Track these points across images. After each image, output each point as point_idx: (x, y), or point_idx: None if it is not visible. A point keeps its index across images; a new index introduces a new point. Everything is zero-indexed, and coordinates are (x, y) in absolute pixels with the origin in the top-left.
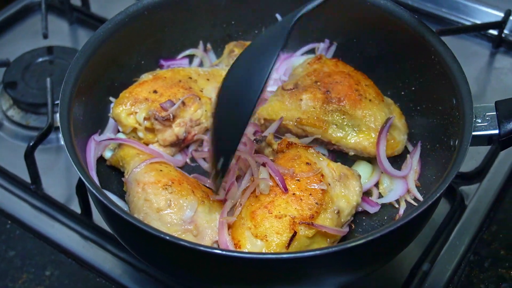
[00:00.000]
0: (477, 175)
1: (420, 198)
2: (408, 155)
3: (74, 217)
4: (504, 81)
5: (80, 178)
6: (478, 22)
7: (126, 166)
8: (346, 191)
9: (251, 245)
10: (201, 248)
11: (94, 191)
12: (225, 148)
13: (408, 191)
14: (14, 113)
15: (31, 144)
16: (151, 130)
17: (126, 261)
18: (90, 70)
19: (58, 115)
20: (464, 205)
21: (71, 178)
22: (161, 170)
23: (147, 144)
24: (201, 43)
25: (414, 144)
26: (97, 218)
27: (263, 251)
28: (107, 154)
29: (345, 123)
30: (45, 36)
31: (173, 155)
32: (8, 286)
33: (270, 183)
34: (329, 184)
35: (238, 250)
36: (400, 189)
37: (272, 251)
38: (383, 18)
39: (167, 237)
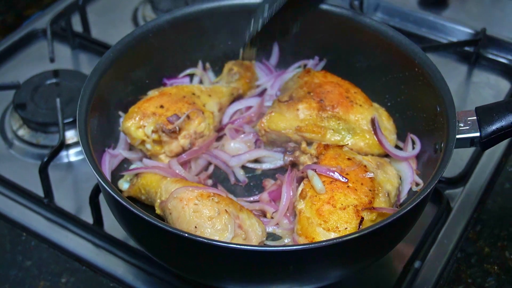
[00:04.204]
0: (461, 179)
1: (420, 181)
2: (408, 136)
3: (86, 227)
4: (482, 94)
5: (93, 190)
6: (456, 40)
7: (154, 191)
8: (387, 176)
9: (326, 238)
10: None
11: (116, 196)
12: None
13: None
14: (24, 132)
15: (45, 160)
16: (158, 142)
17: (138, 266)
18: (101, 88)
19: (68, 133)
20: (450, 208)
21: (80, 191)
22: (197, 186)
23: (155, 156)
24: (200, 62)
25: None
26: (109, 227)
27: None
28: (124, 186)
29: (340, 127)
30: (52, 60)
31: None
32: None
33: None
34: (373, 172)
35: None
36: (408, 173)
37: None
38: (369, 35)
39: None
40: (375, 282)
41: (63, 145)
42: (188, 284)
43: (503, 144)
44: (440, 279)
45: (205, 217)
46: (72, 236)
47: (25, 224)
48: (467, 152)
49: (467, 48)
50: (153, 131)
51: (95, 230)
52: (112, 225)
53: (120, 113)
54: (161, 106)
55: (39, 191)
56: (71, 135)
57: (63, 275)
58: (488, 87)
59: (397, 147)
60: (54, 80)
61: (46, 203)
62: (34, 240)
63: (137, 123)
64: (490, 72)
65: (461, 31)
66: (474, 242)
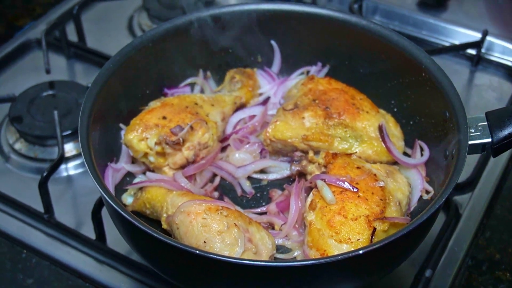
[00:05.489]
0: (469, 185)
1: (431, 189)
2: (416, 143)
3: (88, 243)
4: (484, 97)
5: (95, 204)
6: (457, 42)
7: (159, 205)
8: (397, 184)
9: (338, 250)
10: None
11: (123, 213)
12: None
13: None
14: (21, 146)
15: (44, 174)
16: (161, 154)
17: (142, 282)
18: (102, 100)
19: (67, 146)
20: (459, 214)
21: (81, 206)
22: (204, 199)
23: (158, 168)
24: (201, 71)
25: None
26: (111, 242)
27: None
28: (128, 200)
29: (348, 135)
30: (48, 72)
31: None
32: None
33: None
34: (383, 181)
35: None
36: (418, 180)
37: None
38: (373, 40)
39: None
40: None
41: (62, 159)
42: None
43: None
44: (452, 287)
45: (214, 231)
46: (74, 252)
47: (25, 241)
48: (474, 157)
49: (469, 51)
50: (156, 143)
51: (98, 246)
52: (115, 240)
53: (121, 125)
54: (164, 117)
55: (38, 207)
56: (69, 148)
57: None
58: (491, 90)
59: (405, 154)
60: (50, 92)
61: (46, 218)
62: (35, 257)
63: (140, 135)
64: (493, 74)
65: (462, 33)
66: (485, 249)
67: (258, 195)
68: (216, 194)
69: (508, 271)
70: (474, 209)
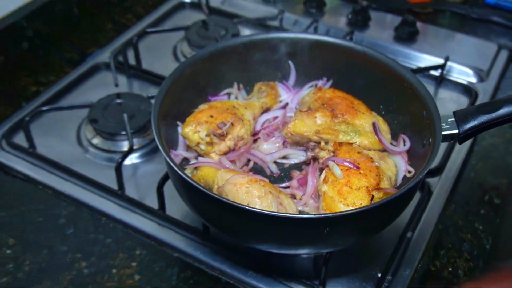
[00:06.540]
0: (437, 171)
1: (412, 170)
2: (400, 136)
3: (152, 212)
4: (447, 107)
5: (160, 181)
6: (423, 66)
7: (211, 180)
8: (387, 165)
9: None
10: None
11: (187, 178)
12: None
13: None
14: (97, 141)
15: (119, 160)
16: (210, 143)
17: (193, 239)
18: (164, 104)
19: (133, 141)
20: (431, 192)
21: (143, 185)
22: (246, 174)
23: (207, 154)
24: (235, 84)
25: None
26: (170, 210)
27: None
28: None
29: (349, 130)
30: (117, 85)
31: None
32: (110, 263)
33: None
34: (377, 162)
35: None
36: (402, 163)
37: None
38: (366, 60)
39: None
40: (377, 248)
41: (132, 149)
42: (234, 251)
43: (467, 143)
44: (428, 245)
45: (255, 196)
46: (141, 219)
47: (104, 210)
48: (441, 149)
49: (434, 72)
50: (206, 135)
51: (159, 214)
52: (172, 209)
53: (178, 122)
54: (211, 116)
55: (113, 185)
56: (134, 143)
57: (137, 248)
58: (452, 102)
59: (391, 144)
60: (118, 101)
61: (119, 194)
62: (112, 222)
63: (194, 129)
64: (453, 90)
65: (428, 59)
66: (451, 217)
67: (282, 174)
68: (250, 173)
69: (469, 233)
70: (442, 188)
